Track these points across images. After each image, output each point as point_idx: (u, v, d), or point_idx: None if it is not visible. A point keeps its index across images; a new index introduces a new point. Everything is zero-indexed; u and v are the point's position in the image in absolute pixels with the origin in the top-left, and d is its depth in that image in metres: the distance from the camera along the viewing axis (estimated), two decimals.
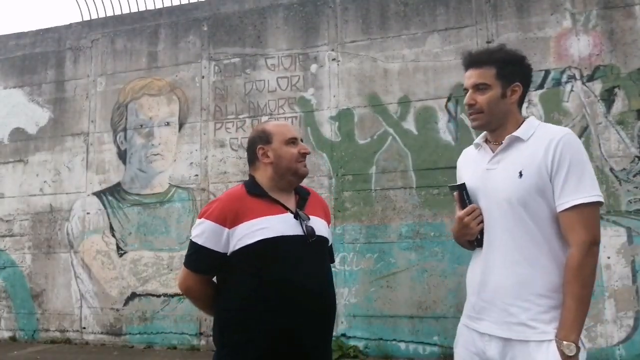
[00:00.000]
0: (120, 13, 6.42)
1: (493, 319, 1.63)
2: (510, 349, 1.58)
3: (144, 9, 6.32)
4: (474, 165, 1.79)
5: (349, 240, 5.13)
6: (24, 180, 6.38)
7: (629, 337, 4.37)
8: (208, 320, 5.36)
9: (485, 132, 1.81)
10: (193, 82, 5.90)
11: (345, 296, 5.03)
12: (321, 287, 1.81)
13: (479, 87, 1.71)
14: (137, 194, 5.92)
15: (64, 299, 6.02)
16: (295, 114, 5.47)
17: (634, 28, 4.66)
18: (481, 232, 1.70)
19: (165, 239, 5.73)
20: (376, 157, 5.17)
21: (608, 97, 4.64)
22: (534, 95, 4.76)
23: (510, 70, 1.71)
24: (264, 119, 5.55)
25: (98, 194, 6.06)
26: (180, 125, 5.88)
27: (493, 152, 1.73)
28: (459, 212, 1.73)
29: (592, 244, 1.54)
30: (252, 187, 1.83)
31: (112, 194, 6.01)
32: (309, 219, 1.83)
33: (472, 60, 1.75)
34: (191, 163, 5.77)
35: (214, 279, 1.88)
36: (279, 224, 1.76)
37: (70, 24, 6.55)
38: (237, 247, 1.73)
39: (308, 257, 1.78)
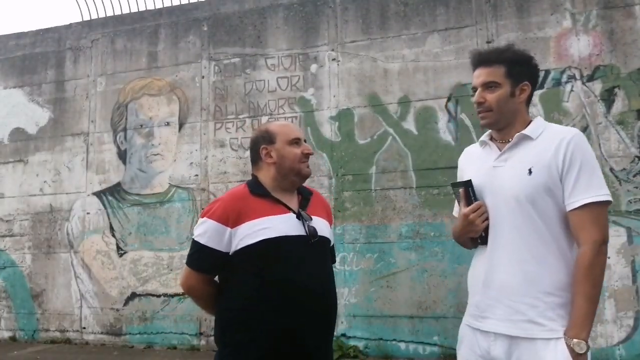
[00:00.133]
0: (120, 13, 6.42)
1: (498, 317, 1.62)
2: (516, 347, 1.58)
3: (144, 9, 6.32)
4: (478, 163, 1.78)
5: (349, 240, 5.13)
6: (24, 180, 6.38)
7: (629, 337, 4.37)
8: (208, 320, 5.36)
9: (490, 130, 1.81)
10: (193, 82, 5.90)
11: (345, 296, 5.03)
12: (323, 287, 1.81)
13: (488, 86, 1.72)
14: (137, 194, 5.92)
15: (64, 299, 6.02)
16: (295, 114, 5.47)
17: (634, 28, 4.66)
18: (486, 230, 1.69)
19: (165, 239, 5.73)
20: (376, 157, 5.17)
21: (608, 97, 4.64)
22: (534, 95, 4.75)
23: (519, 69, 1.72)
24: (264, 119, 5.55)
25: (98, 194, 6.06)
26: (180, 125, 5.88)
27: (500, 150, 1.73)
28: (465, 209, 1.71)
29: (602, 243, 1.56)
30: (255, 187, 1.83)
31: (112, 194, 6.01)
32: (311, 219, 1.83)
33: (482, 59, 1.77)
34: (191, 163, 5.78)
35: (216, 278, 1.88)
36: (281, 224, 1.76)
37: (70, 24, 6.55)
38: (239, 247, 1.73)
39: (310, 257, 1.78)
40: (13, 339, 6.12)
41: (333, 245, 2.00)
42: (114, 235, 5.93)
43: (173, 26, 6.08)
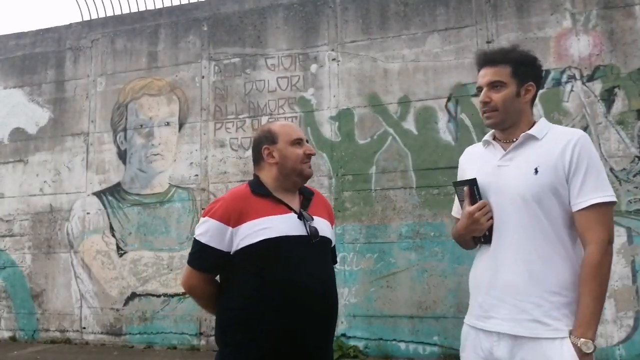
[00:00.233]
0: (120, 13, 6.42)
1: (503, 316, 1.62)
2: (520, 348, 1.57)
3: (144, 9, 6.32)
4: (481, 163, 1.78)
5: (349, 240, 5.13)
6: (24, 180, 6.38)
7: (629, 337, 4.37)
8: (208, 320, 5.36)
9: (493, 130, 1.81)
10: (193, 82, 5.90)
11: (345, 296, 5.02)
12: (324, 287, 1.81)
13: (494, 85, 1.72)
14: (137, 194, 5.92)
15: (64, 299, 6.02)
16: (295, 114, 5.47)
17: (634, 28, 4.66)
18: (490, 229, 1.69)
19: (165, 239, 5.73)
20: (376, 157, 5.17)
21: (608, 97, 4.64)
22: None
23: (525, 69, 1.73)
24: (264, 119, 5.55)
25: (98, 194, 6.06)
26: (180, 125, 5.88)
27: (504, 149, 1.73)
28: (469, 207, 1.71)
29: (609, 243, 1.57)
30: (257, 187, 1.84)
31: (112, 194, 6.01)
32: (312, 219, 1.83)
33: (487, 59, 1.77)
34: (191, 163, 5.78)
35: (217, 278, 1.88)
36: (282, 224, 1.76)
37: (70, 24, 6.55)
38: (240, 246, 1.73)
39: (311, 257, 1.78)
40: (13, 339, 6.12)
41: (334, 245, 2.00)
42: (114, 235, 5.93)
43: (173, 26, 6.08)
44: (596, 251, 1.55)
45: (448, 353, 4.71)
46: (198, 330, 5.50)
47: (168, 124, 5.92)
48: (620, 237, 4.44)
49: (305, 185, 1.95)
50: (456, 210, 1.90)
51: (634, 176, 4.52)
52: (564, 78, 4.77)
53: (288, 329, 1.71)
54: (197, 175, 5.73)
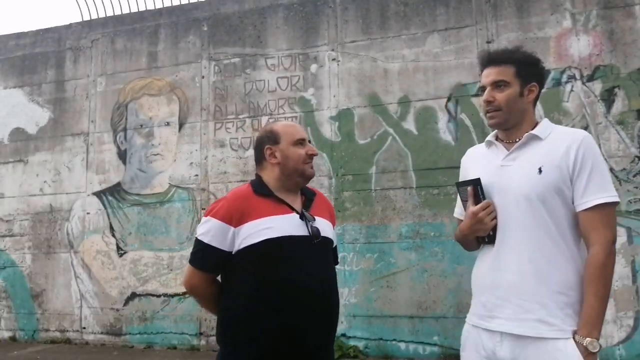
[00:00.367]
0: (120, 13, 6.42)
1: (506, 316, 1.62)
2: (524, 348, 1.57)
3: (144, 9, 6.32)
4: (484, 163, 1.78)
5: (349, 240, 5.13)
6: (24, 180, 6.38)
7: (629, 337, 4.37)
8: (208, 320, 5.36)
9: (496, 130, 1.81)
10: (193, 82, 5.90)
11: (345, 296, 5.02)
12: (325, 287, 1.81)
13: (497, 85, 1.72)
14: (137, 194, 5.92)
15: (64, 299, 6.02)
16: (295, 114, 5.47)
17: (634, 28, 4.66)
18: (494, 229, 1.69)
19: (165, 239, 5.73)
20: (376, 157, 5.17)
21: (608, 97, 4.64)
22: None
23: (528, 70, 1.73)
24: (264, 119, 5.55)
25: (98, 194, 6.06)
26: (180, 125, 5.88)
27: (507, 149, 1.73)
28: (473, 207, 1.70)
29: (613, 243, 1.58)
30: (259, 187, 1.83)
31: (112, 194, 6.01)
32: (314, 219, 1.83)
33: (491, 59, 1.77)
34: (191, 163, 5.78)
35: (219, 277, 1.88)
36: (284, 224, 1.76)
37: (70, 24, 6.55)
38: (242, 246, 1.73)
39: (312, 257, 1.78)
40: (13, 339, 6.12)
41: (336, 246, 2.00)
42: (114, 235, 5.93)
43: (173, 26, 6.08)
44: (601, 251, 1.55)
45: (448, 353, 4.71)
46: (198, 330, 5.50)
47: (168, 124, 5.92)
48: (620, 237, 4.43)
49: (307, 185, 1.95)
50: (458, 211, 1.89)
51: (634, 176, 4.52)
52: (564, 78, 4.77)
53: (289, 329, 1.71)
54: (197, 175, 5.73)
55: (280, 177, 1.85)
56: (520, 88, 1.71)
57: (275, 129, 1.88)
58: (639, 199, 4.49)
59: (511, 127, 1.74)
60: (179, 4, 6.22)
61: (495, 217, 1.68)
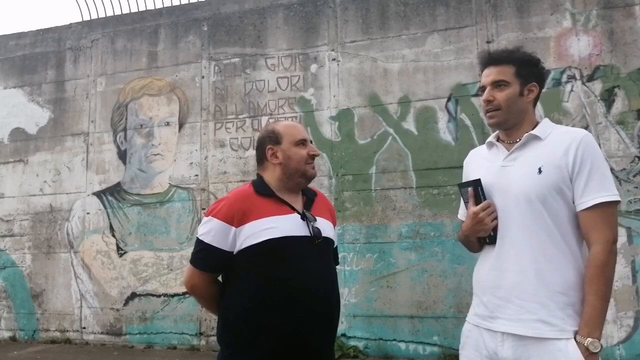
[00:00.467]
0: (120, 13, 6.42)
1: (508, 316, 1.62)
2: (526, 348, 1.57)
3: (144, 9, 6.32)
4: (486, 163, 1.78)
5: (349, 240, 5.13)
6: (24, 180, 6.38)
7: (629, 337, 4.37)
8: (208, 320, 5.36)
9: (497, 131, 1.81)
10: (193, 82, 5.90)
11: (345, 296, 5.02)
12: (326, 288, 1.81)
13: (497, 84, 1.72)
14: (137, 194, 5.92)
15: (64, 299, 6.02)
16: (295, 114, 5.47)
17: (634, 28, 4.66)
18: (494, 229, 1.69)
19: (165, 239, 5.73)
20: (376, 157, 5.17)
21: (608, 97, 4.64)
22: None
23: (529, 70, 1.74)
24: (264, 119, 5.55)
25: (98, 194, 6.06)
26: (180, 125, 5.88)
27: (508, 150, 1.74)
28: (474, 208, 1.71)
29: (614, 242, 1.57)
30: (260, 187, 1.83)
31: (112, 194, 6.01)
32: (315, 220, 1.83)
33: (492, 59, 1.78)
34: (191, 163, 5.78)
35: (219, 277, 1.88)
36: (285, 225, 1.76)
37: (70, 24, 6.55)
38: (243, 246, 1.73)
39: (314, 258, 1.78)
40: (13, 339, 6.12)
41: (336, 246, 2.00)
42: (114, 235, 5.93)
43: (173, 26, 6.08)
44: (601, 251, 1.55)
45: (448, 353, 4.71)
46: (198, 330, 5.49)
47: (168, 124, 5.92)
48: (620, 237, 4.43)
49: (309, 186, 1.94)
50: (462, 212, 1.90)
51: (634, 176, 4.52)
52: (564, 78, 4.77)
53: (290, 329, 1.71)
54: (197, 175, 5.73)
55: (281, 177, 1.84)
56: (520, 88, 1.72)
57: (277, 129, 1.88)
58: (639, 199, 4.49)
59: (511, 127, 1.74)
60: (179, 4, 6.22)
61: (496, 218, 1.68)
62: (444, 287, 4.83)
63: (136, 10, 6.35)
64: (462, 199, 1.84)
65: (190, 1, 6.19)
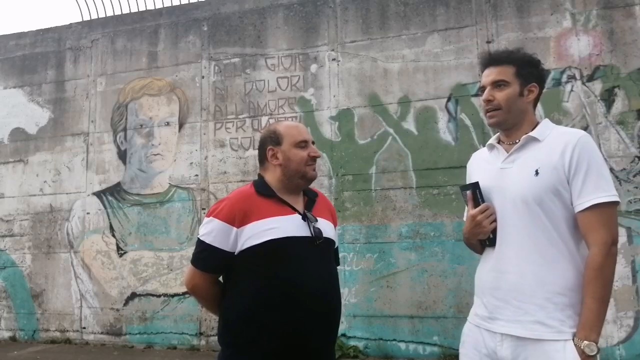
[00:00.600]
0: (120, 13, 6.42)
1: (507, 318, 1.62)
2: (524, 349, 1.57)
3: (144, 9, 6.32)
4: (487, 166, 1.79)
5: (349, 240, 5.13)
6: (24, 180, 6.38)
7: (629, 337, 4.37)
8: (208, 320, 5.36)
9: (498, 133, 1.82)
10: (193, 82, 5.90)
11: (345, 296, 5.02)
12: (326, 288, 1.81)
13: (497, 84, 1.73)
14: (137, 194, 5.92)
15: (64, 299, 6.02)
16: (295, 114, 5.47)
17: (634, 28, 4.66)
18: (494, 231, 1.69)
19: (165, 239, 5.73)
20: (376, 157, 5.17)
21: (608, 97, 4.64)
22: None
23: (529, 70, 1.74)
24: (264, 119, 5.55)
25: (98, 194, 6.06)
26: (180, 125, 5.88)
27: (507, 152, 1.74)
28: (472, 211, 1.72)
29: (612, 244, 1.56)
30: (261, 187, 1.83)
31: (112, 194, 6.01)
32: (316, 220, 1.83)
33: (492, 59, 1.78)
34: (191, 163, 5.78)
35: (220, 278, 1.88)
36: (287, 225, 1.76)
37: (70, 24, 6.55)
38: (244, 247, 1.73)
39: (315, 258, 1.78)
40: (13, 339, 6.12)
41: (337, 247, 2.00)
42: (114, 235, 5.93)
43: (173, 26, 6.08)
44: (598, 253, 1.54)
45: (448, 353, 4.71)
46: (198, 330, 5.49)
47: (168, 124, 5.92)
48: (620, 237, 4.43)
49: (310, 186, 1.94)
50: (466, 215, 1.91)
51: (634, 176, 4.52)
52: (564, 78, 4.77)
53: (291, 329, 1.71)
54: (197, 175, 5.73)
55: (282, 178, 1.84)
56: (520, 88, 1.72)
57: (278, 130, 1.88)
58: (639, 199, 4.49)
59: (511, 127, 1.75)
60: (179, 4, 6.22)
61: (495, 220, 1.69)
62: (444, 287, 4.83)
63: (136, 10, 6.35)
64: (465, 201, 1.85)
65: (190, 1, 6.19)
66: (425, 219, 4.97)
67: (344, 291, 5.03)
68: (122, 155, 6.05)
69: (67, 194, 6.18)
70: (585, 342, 1.49)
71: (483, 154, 1.88)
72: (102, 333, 5.83)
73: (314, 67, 5.50)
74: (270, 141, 1.87)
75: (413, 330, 4.88)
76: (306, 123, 5.40)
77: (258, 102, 5.64)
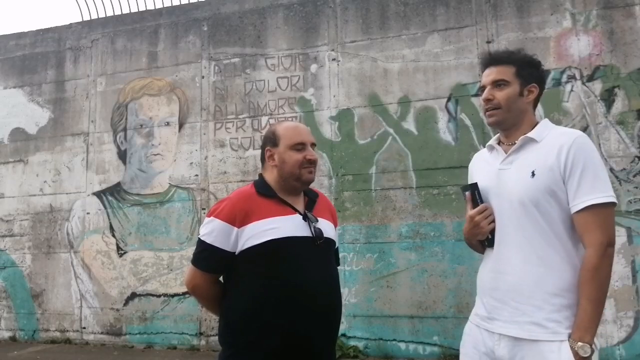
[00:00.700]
0: (120, 13, 6.42)
1: (505, 318, 1.63)
2: (520, 349, 1.58)
3: (144, 9, 6.32)
4: (486, 167, 1.80)
5: (349, 240, 5.13)
6: (24, 180, 6.38)
7: (629, 337, 4.37)
8: (208, 320, 5.36)
9: (498, 134, 1.83)
10: (193, 82, 5.90)
11: (345, 296, 5.02)
12: (327, 288, 1.81)
13: (497, 84, 1.73)
14: (137, 194, 5.92)
15: (64, 299, 6.02)
16: (295, 114, 5.48)
17: (634, 28, 4.66)
18: (492, 232, 1.70)
19: (165, 239, 5.73)
20: (376, 157, 5.17)
21: (608, 97, 4.64)
22: None
23: (529, 71, 1.74)
24: (264, 119, 5.55)
25: (98, 194, 6.06)
26: (180, 125, 5.88)
27: (506, 153, 1.75)
28: (470, 211, 1.73)
29: (608, 245, 1.55)
30: (262, 188, 1.84)
31: (112, 194, 6.01)
32: (317, 220, 1.83)
33: (492, 59, 1.79)
34: (191, 163, 5.78)
35: (221, 278, 1.88)
36: (287, 225, 1.76)
37: (70, 24, 6.55)
38: (245, 247, 1.73)
39: (315, 258, 1.79)
40: (13, 339, 6.12)
41: (337, 247, 2.00)
42: (114, 235, 5.93)
43: (173, 26, 6.08)
44: (593, 254, 1.53)
45: (448, 353, 4.71)
46: (198, 330, 5.49)
47: (168, 124, 5.92)
48: (620, 237, 4.43)
49: (310, 187, 1.95)
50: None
51: (634, 176, 4.52)
52: (564, 78, 4.77)
53: (291, 329, 1.71)
54: (197, 175, 5.73)
55: (278, 179, 1.85)
56: (520, 88, 1.72)
57: (277, 131, 1.88)
58: (639, 199, 4.49)
59: (510, 127, 1.75)
60: (179, 4, 6.22)
61: (493, 221, 1.70)
62: (444, 287, 4.83)
63: (136, 10, 6.35)
64: (465, 201, 1.87)
65: (190, 1, 6.19)
66: (425, 219, 4.97)
67: (344, 291, 5.03)
68: (122, 155, 6.05)
69: (67, 194, 6.18)
70: (580, 343, 1.49)
71: (484, 155, 1.89)
72: (102, 333, 5.84)
73: (314, 67, 5.50)
74: (268, 142, 1.88)
75: (413, 330, 4.88)
76: (306, 123, 5.39)
77: (258, 102, 5.64)
